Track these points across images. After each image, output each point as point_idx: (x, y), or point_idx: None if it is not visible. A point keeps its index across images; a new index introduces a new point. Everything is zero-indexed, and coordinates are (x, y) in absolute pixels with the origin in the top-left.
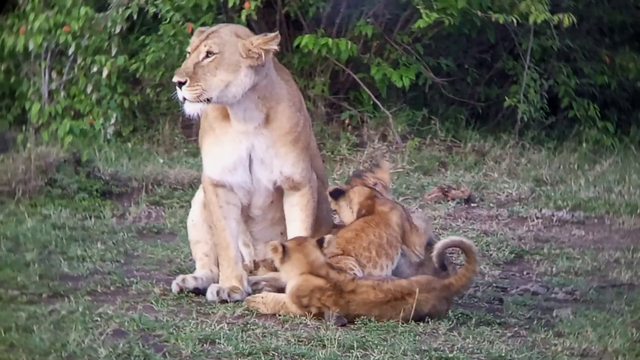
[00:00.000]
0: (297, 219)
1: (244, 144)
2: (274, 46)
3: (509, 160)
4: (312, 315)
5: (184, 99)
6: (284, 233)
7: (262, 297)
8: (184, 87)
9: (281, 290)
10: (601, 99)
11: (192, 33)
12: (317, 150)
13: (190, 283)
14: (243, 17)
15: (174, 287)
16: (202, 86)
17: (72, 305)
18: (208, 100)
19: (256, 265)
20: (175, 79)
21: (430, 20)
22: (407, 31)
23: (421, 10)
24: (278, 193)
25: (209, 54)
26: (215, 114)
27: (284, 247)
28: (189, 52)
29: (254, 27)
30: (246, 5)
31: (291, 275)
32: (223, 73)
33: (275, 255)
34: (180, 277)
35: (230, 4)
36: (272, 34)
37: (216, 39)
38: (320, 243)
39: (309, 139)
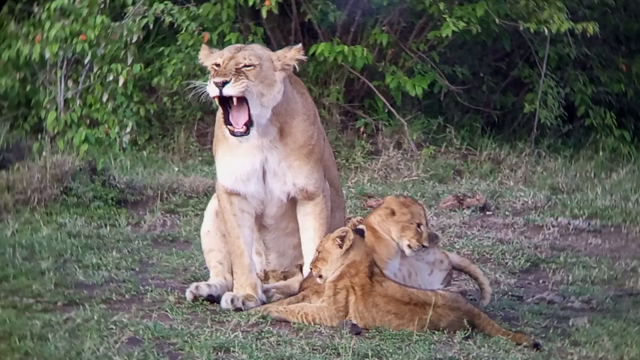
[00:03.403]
0: (311, 228)
1: (257, 157)
2: (302, 56)
3: (524, 168)
4: (334, 306)
5: (221, 96)
6: (297, 245)
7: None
8: (227, 85)
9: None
10: (618, 107)
11: (208, 42)
12: (333, 160)
13: (204, 290)
14: (264, 13)
15: (188, 295)
16: (247, 83)
17: (87, 314)
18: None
19: (266, 275)
20: (217, 80)
21: (457, 29)
22: (422, 39)
23: (447, 19)
24: (291, 203)
25: (247, 66)
26: None
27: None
28: (218, 64)
29: (270, 35)
30: (266, 2)
31: (347, 261)
32: (260, 85)
33: (346, 241)
34: (193, 285)
35: (250, 3)
36: (297, 46)
37: (251, 52)
38: None
39: (323, 150)
